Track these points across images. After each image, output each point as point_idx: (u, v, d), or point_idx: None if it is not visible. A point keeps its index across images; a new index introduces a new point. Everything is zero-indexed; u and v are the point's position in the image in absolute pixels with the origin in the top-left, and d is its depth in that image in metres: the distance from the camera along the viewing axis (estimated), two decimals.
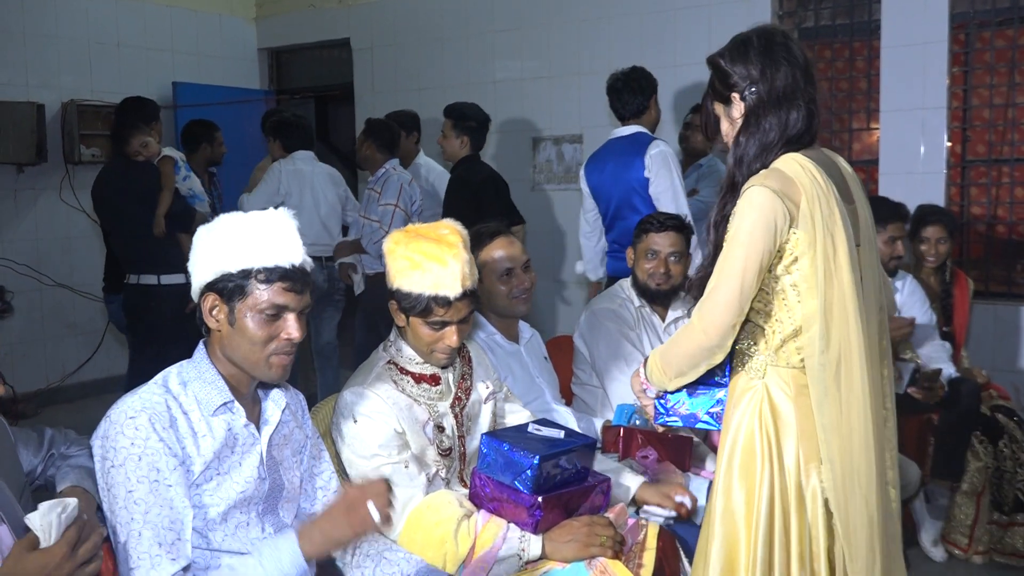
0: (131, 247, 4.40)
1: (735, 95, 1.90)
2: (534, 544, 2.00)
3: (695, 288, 1.94)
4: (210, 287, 1.73)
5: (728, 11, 5.03)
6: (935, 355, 3.50)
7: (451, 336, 2.11)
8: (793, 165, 1.81)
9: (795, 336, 1.83)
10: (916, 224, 3.69)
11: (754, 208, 1.77)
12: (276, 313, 1.72)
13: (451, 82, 6.24)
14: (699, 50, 5.09)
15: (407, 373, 2.16)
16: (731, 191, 1.89)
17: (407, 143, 5.23)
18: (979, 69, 4.74)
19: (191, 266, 1.78)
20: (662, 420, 2.01)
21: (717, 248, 1.87)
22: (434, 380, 2.19)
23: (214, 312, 1.74)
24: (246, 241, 1.72)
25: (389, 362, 2.18)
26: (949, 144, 4.65)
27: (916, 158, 4.67)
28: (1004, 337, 4.47)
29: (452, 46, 6.25)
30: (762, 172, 1.82)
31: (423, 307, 2.07)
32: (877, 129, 4.92)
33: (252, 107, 6.86)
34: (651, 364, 1.95)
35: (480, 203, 4.33)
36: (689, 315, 1.92)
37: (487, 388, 2.33)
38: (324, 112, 7.80)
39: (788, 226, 1.77)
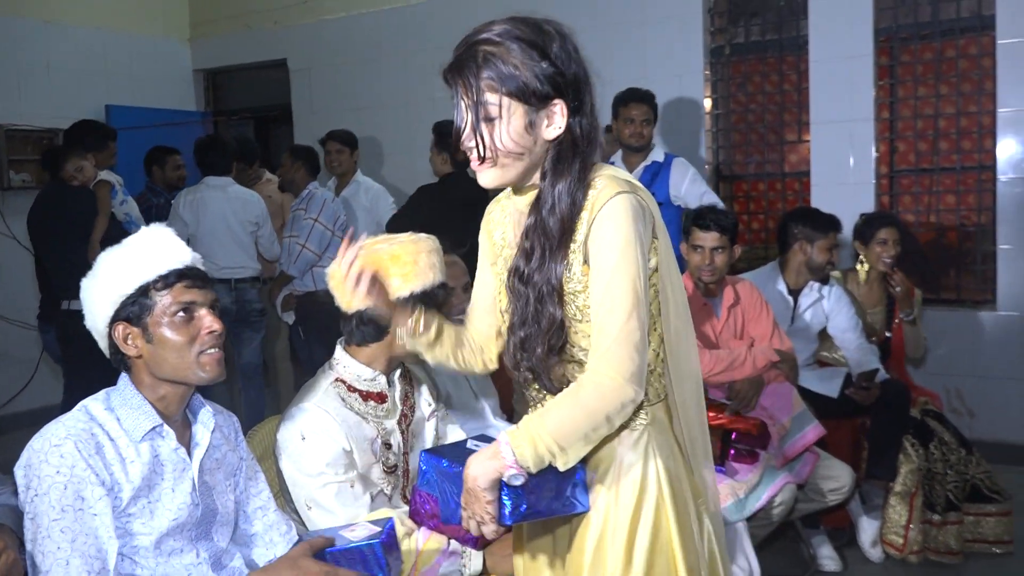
0: (65, 273, 4.30)
1: (559, 102, 1.49)
2: (475, 559, 2.00)
3: (537, 352, 1.56)
4: (115, 319, 1.72)
5: (661, 30, 5.12)
6: (863, 359, 3.59)
7: None
8: (616, 170, 1.57)
9: (656, 365, 1.59)
10: (867, 229, 3.78)
11: (627, 219, 1.45)
12: (187, 312, 1.72)
13: (389, 101, 6.25)
14: (632, 68, 5.20)
15: (354, 390, 2.15)
16: (565, 233, 1.50)
17: (350, 161, 5.25)
18: (906, 81, 4.89)
19: (88, 317, 1.78)
20: (515, 518, 1.50)
21: (548, 317, 1.53)
22: (380, 398, 2.18)
23: (129, 340, 1.73)
24: (131, 261, 1.73)
25: (336, 379, 2.16)
26: (877, 155, 4.79)
27: (846, 169, 4.80)
28: (934, 342, 4.59)
29: (389, 65, 6.26)
30: (606, 182, 1.50)
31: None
32: (806, 141, 5.05)
33: (189, 129, 6.77)
34: (530, 439, 1.44)
35: (450, 219, 4.33)
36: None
37: (429, 406, 2.34)
38: (264, 133, 7.74)
39: (652, 234, 1.52)
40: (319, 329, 4.74)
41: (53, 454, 1.61)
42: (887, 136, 4.92)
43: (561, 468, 1.46)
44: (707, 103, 5.27)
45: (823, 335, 3.69)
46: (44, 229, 4.45)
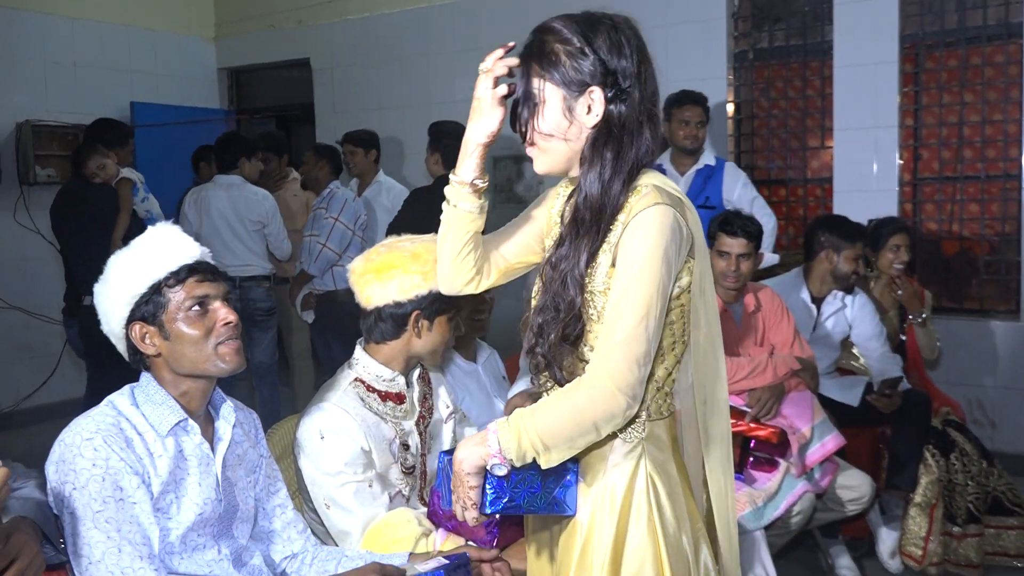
0: (86, 268, 4.35)
1: (596, 89, 1.51)
2: None
3: (551, 338, 1.55)
4: (131, 319, 1.74)
5: (683, 34, 5.10)
6: (887, 367, 3.56)
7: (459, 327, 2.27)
8: (667, 181, 1.56)
9: (665, 383, 1.57)
10: (878, 235, 3.76)
11: (660, 231, 1.45)
12: (202, 306, 1.74)
13: (411, 102, 6.25)
14: (658, 71, 5.13)
15: (373, 391, 2.16)
16: (595, 220, 1.51)
17: (366, 161, 5.26)
18: (931, 89, 4.85)
19: (104, 321, 1.80)
20: (495, 508, 1.51)
21: (568, 302, 1.52)
22: (399, 398, 2.19)
23: (147, 339, 1.74)
24: (141, 261, 1.75)
25: (355, 379, 2.16)
26: (901, 162, 4.75)
27: (869, 176, 4.77)
28: (957, 352, 4.55)
29: (412, 65, 6.27)
30: (650, 191, 1.50)
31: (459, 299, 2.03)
32: (829, 147, 5.02)
33: (212, 127, 6.82)
34: (516, 432, 1.45)
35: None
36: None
37: (447, 407, 2.34)
38: (285, 131, 7.77)
39: (686, 252, 1.51)
40: (338, 328, 4.76)
41: (86, 447, 1.63)
42: (911, 143, 4.88)
43: (543, 466, 1.46)
44: (729, 108, 5.25)
45: (844, 343, 3.67)
46: (67, 225, 4.51)
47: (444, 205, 1.70)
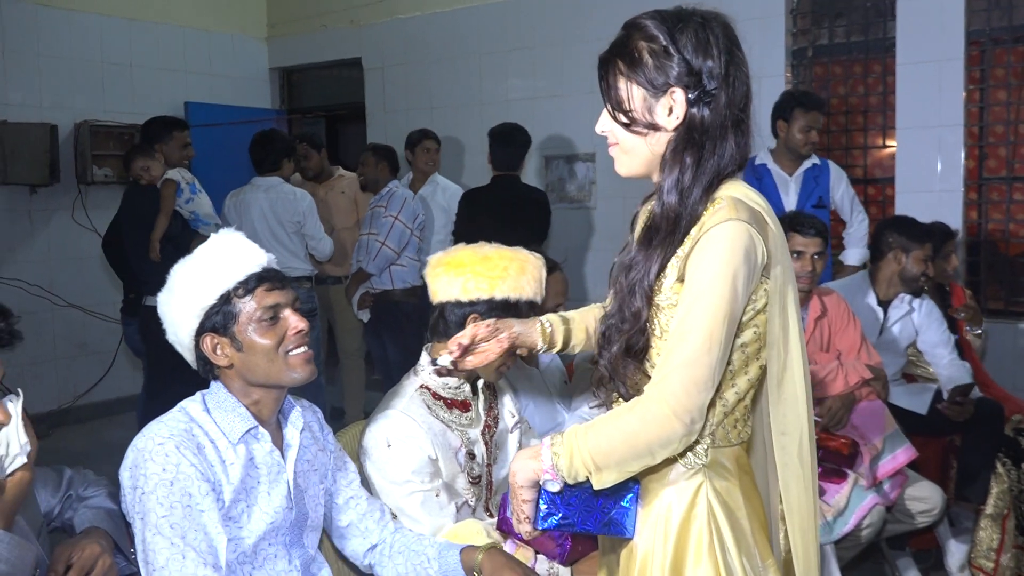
0: (141, 269, 4.42)
1: (678, 90, 1.45)
2: (562, 575, 1.97)
3: (613, 350, 1.51)
4: (201, 331, 1.73)
5: (741, 29, 4.97)
6: (956, 375, 3.47)
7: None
8: (750, 194, 1.48)
9: (735, 408, 1.49)
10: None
11: (731, 250, 1.37)
12: (273, 315, 1.73)
13: (463, 101, 6.24)
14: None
15: (439, 398, 2.13)
16: (671, 231, 1.45)
17: (438, 160, 5.34)
18: (997, 86, 4.72)
19: (170, 331, 1.78)
20: (547, 524, 1.47)
21: (634, 312, 1.48)
22: (465, 407, 2.16)
23: (218, 350, 1.73)
24: (209, 270, 1.73)
25: (422, 386, 2.14)
26: (966, 162, 4.63)
27: (933, 176, 4.65)
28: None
29: (464, 65, 6.25)
30: (726, 204, 1.42)
31: (521, 312, 2.03)
32: (891, 147, 4.90)
33: (264, 126, 6.87)
34: (568, 449, 1.41)
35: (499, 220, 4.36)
36: None
37: (513, 417, 2.31)
38: (335, 131, 7.81)
39: (760, 273, 1.42)
40: (393, 328, 4.76)
41: (158, 453, 1.63)
42: (976, 143, 4.75)
43: (596, 486, 1.40)
44: None
45: (911, 349, 3.58)
46: (124, 226, 4.59)
47: None
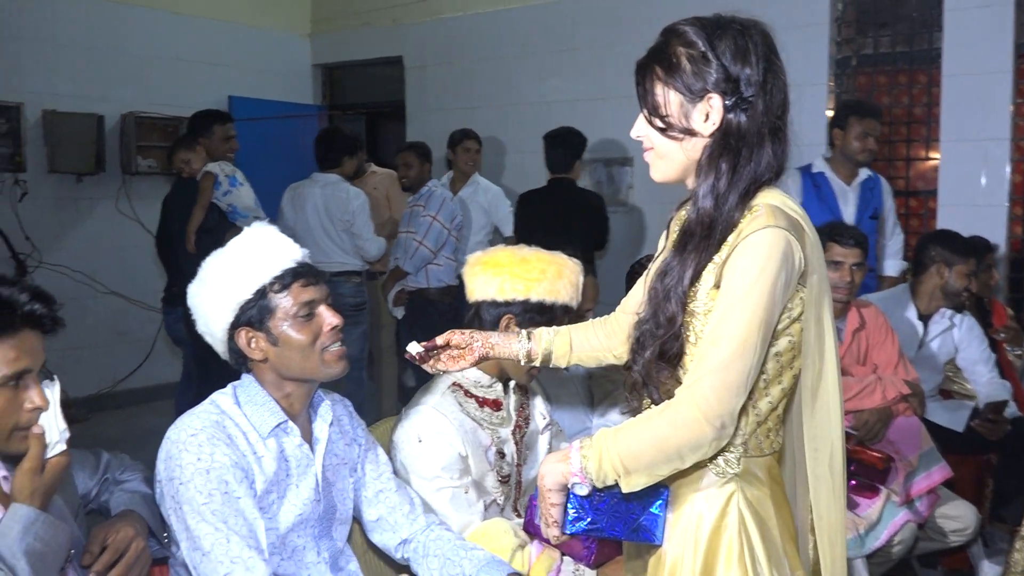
0: (181, 259, 4.50)
1: (715, 96, 1.44)
2: None
3: (647, 355, 1.50)
4: (236, 325, 1.74)
5: (783, 39, 4.92)
6: (994, 392, 3.42)
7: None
8: (787, 201, 1.47)
9: (768, 418, 1.48)
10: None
11: (768, 256, 1.36)
12: (309, 311, 1.75)
13: (503, 101, 6.26)
14: None
15: (471, 396, 2.14)
16: (705, 236, 1.45)
17: (480, 161, 5.39)
18: None
19: (201, 322, 1.80)
20: (575, 529, 1.47)
21: (668, 317, 1.47)
22: (496, 405, 2.17)
23: (253, 344, 1.75)
24: (244, 265, 1.74)
25: (454, 384, 2.15)
26: (1012, 177, 4.56)
27: (977, 189, 4.59)
28: None
29: (505, 65, 6.27)
30: (764, 211, 1.41)
31: (555, 316, 2.05)
32: (935, 159, 4.84)
33: (305, 122, 6.95)
34: (597, 452, 1.41)
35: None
36: None
37: (544, 418, 2.32)
38: (375, 129, 7.86)
39: (797, 280, 1.42)
40: (427, 326, 4.79)
41: (191, 443, 1.66)
42: (1019, 158, 4.67)
43: (624, 490, 1.40)
44: (828, 115, 5.11)
45: (949, 365, 3.53)
46: (167, 218, 4.71)
47: None
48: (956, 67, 4.61)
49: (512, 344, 1.77)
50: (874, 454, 2.70)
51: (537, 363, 1.79)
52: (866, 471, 2.73)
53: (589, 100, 5.82)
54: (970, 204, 4.59)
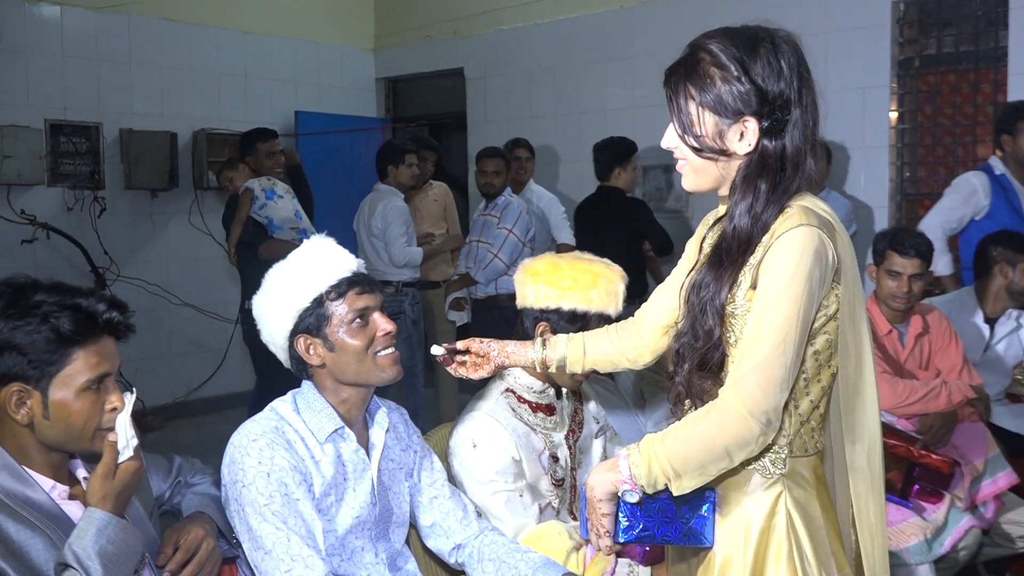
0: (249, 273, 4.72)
1: (752, 120, 1.45)
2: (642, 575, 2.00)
3: (687, 367, 1.54)
4: (295, 332, 1.82)
5: (845, 40, 4.93)
6: None
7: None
8: (818, 203, 1.49)
9: (810, 417, 1.50)
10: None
11: (802, 254, 1.38)
12: (363, 318, 1.81)
13: (563, 110, 6.30)
14: (816, 80, 4.97)
15: (524, 401, 2.18)
16: (742, 252, 1.47)
17: (532, 169, 5.47)
18: None
19: (264, 332, 1.88)
20: (628, 537, 1.48)
21: (707, 330, 1.49)
22: (549, 410, 2.21)
23: (311, 351, 1.82)
24: (302, 275, 1.82)
25: (507, 389, 2.19)
26: None
27: None
28: None
29: (564, 75, 6.31)
30: (796, 212, 1.44)
31: (589, 324, 2.07)
32: None
33: (369, 135, 7.08)
34: (646, 458, 1.42)
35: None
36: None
37: (597, 423, 2.35)
38: (437, 139, 7.95)
39: (831, 277, 1.44)
40: (495, 333, 4.82)
41: (252, 448, 1.75)
42: None
43: (675, 493, 1.42)
44: (892, 117, 5.04)
45: (1018, 369, 3.46)
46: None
47: None
48: (1022, 66, 4.50)
49: (528, 352, 1.86)
50: (939, 459, 2.67)
51: (553, 369, 1.86)
52: (931, 476, 2.70)
53: (647, 107, 5.82)
54: None
